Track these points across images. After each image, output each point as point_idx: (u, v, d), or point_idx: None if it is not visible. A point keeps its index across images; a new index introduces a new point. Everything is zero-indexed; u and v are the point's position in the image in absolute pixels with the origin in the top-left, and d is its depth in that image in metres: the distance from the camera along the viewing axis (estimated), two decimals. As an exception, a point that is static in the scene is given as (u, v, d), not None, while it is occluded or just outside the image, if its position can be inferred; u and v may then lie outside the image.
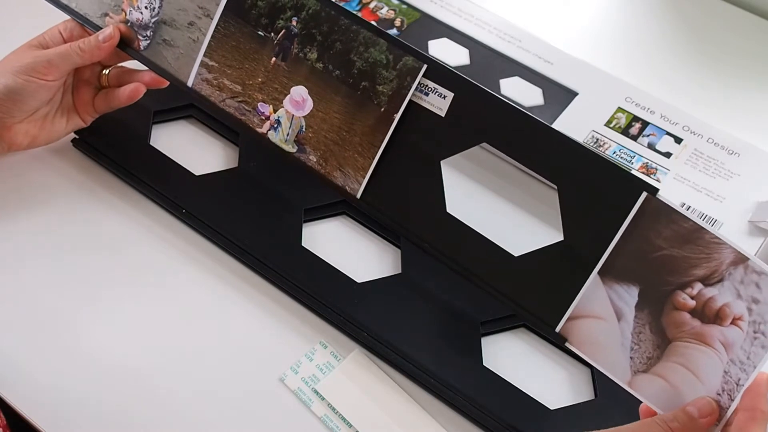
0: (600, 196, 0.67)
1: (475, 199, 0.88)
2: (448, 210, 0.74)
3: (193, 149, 0.92)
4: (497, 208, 0.87)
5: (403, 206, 0.74)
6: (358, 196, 0.73)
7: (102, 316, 0.81)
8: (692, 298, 0.63)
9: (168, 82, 0.84)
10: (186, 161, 0.90)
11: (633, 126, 0.93)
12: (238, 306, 0.82)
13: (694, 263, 0.63)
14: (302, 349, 0.79)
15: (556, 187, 0.69)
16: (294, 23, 0.74)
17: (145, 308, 0.81)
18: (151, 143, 0.92)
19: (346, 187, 0.73)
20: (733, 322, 0.62)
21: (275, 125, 0.76)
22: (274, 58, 0.75)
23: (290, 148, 0.75)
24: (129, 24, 0.82)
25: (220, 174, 0.90)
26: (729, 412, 0.63)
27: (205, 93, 0.78)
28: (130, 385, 0.77)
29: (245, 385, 0.77)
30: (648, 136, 0.92)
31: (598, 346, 0.67)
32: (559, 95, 0.96)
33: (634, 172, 0.87)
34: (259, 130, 0.76)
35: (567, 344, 0.69)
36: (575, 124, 0.93)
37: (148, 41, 0.82)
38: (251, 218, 0.86)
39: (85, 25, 0.84)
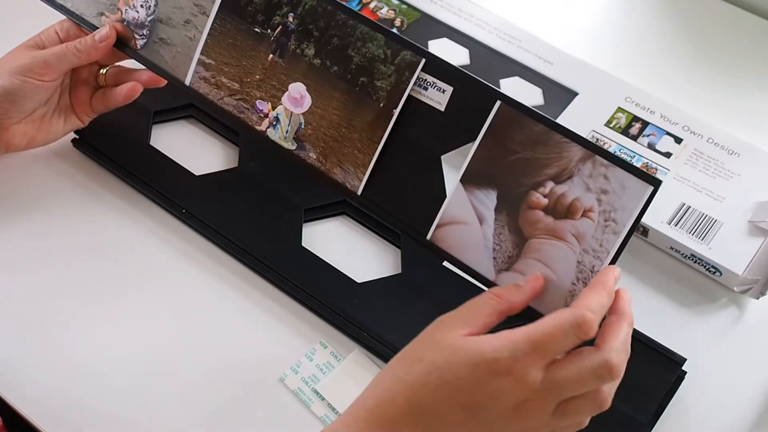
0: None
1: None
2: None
3: (193, 149, 0.92)
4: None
5: (404, 202, 0.74)
6: (359, 192, 0.72)
7: (102, 316, 0.81)
8: (545, 196, 0.66)
9: (166, 81, 0.84)
10: (186, 161, 0.90)
11: (633, 126, 0.92)
12: (238, 306, 0.82)
13: (545, 163, 0.66)
14: (302, 349, 0.79)
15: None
16: (291, 19, 0.74)
17: (145, 308, 0.81)
18: (151, 143, 0.92)
19: (347, 184, 0.73)
20: (584, 215, 0.65)
21: (274, 123, 0.75)
22: (271, 55, 0.75)
23: (290, 146, 0.75)
24: (125, 23, 0.82)
25: (220, 174, 0.90)
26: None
27: (203, 91, 0.78)
28: (130, 385, 0.77)
29: (245, 385, 0.77)
30: (648, 136, 0.92)
31: (465, 249, 0.69)
32: (559, 95, 0.96)
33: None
34: (258, 127, 0.76)
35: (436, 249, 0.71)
36: (575, 124, 0.92)
37: (145, 40, 0.82)
38: (251, 218, 0.86)
39: (81, 24, 0.84)
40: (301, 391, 0.76)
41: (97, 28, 0.83)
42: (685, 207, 0.86)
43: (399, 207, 0.73)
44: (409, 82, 0.70)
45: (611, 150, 0.90)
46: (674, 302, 0.84)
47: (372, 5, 1.04)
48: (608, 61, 1.00)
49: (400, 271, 0.84)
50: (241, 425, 0.75)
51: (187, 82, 0.79)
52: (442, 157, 0.71)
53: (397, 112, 0.70)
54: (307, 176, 0.76)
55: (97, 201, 0.88)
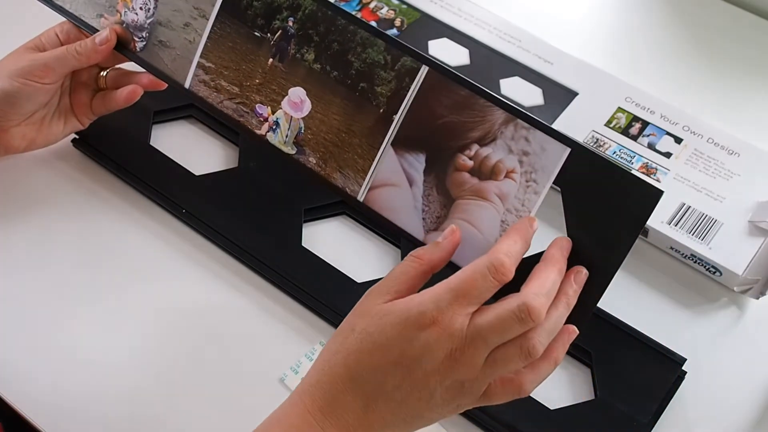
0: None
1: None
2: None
3: (193, 149, 0.92)
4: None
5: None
6: (359, 197, 0.73)
7: (102, 316, 0.81)
8: (470, 158, 0.68)
9: (166, 85, 0.84)
10: (186, 161, 0.90)
11: (633, 126, 0.93)
12: (238, 306, 0.82)
13: (470, 127, 0.68)
14: (302, 349, 0.79)
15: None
16: (291, 24, 0.74)
17: (145, 308, 0.81)
18: (152, 143, 0.92)
19: (347, 189, 0.73)
20: (507, 176, 0.67)
21: (274, 127, 0.75)
22: (271, 59, 0.75)
23: (289, 150, 0.75)
24: (124, 25, 0.82)
25: (220, 174, 0.90)
26: None
27: (203, 95, 0.78)
28: (130, 385, 0.77)
29: (245, 385, 0.77)
30: (648, 136, 0.92)
31: (396, 211, 0.71)
32: (559, 95, 0.96)
33: (634, 172, 0.87)
34: (257, 131, 0.76)
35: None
36: (575, 124, 0.93)
37: (144, 42, 0.81)
38: (251, 218, 0.86)
39: (81, 26, 0.84)
40: (302, 393, 0.76)
41: (97, 30, 0.83)
42: (685, 207, 0.86)
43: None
44: (409, 89, 0.70)
45: (611, 150, 0.90)
46: (674, 302, 0.84)
47: (372, 5, 1.04)
48: (608, 61, 1.00)
49: (399, 271, 0.84)
50: (241, 425, 0.75)
51: (187, 85, 0.79)
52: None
53: (397, 117, 0.70)
54: (307, 181, 0.76)
55: (97, 201, 0.88)
